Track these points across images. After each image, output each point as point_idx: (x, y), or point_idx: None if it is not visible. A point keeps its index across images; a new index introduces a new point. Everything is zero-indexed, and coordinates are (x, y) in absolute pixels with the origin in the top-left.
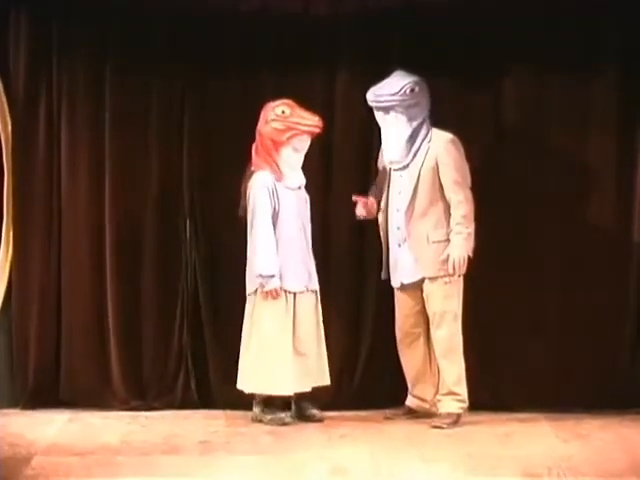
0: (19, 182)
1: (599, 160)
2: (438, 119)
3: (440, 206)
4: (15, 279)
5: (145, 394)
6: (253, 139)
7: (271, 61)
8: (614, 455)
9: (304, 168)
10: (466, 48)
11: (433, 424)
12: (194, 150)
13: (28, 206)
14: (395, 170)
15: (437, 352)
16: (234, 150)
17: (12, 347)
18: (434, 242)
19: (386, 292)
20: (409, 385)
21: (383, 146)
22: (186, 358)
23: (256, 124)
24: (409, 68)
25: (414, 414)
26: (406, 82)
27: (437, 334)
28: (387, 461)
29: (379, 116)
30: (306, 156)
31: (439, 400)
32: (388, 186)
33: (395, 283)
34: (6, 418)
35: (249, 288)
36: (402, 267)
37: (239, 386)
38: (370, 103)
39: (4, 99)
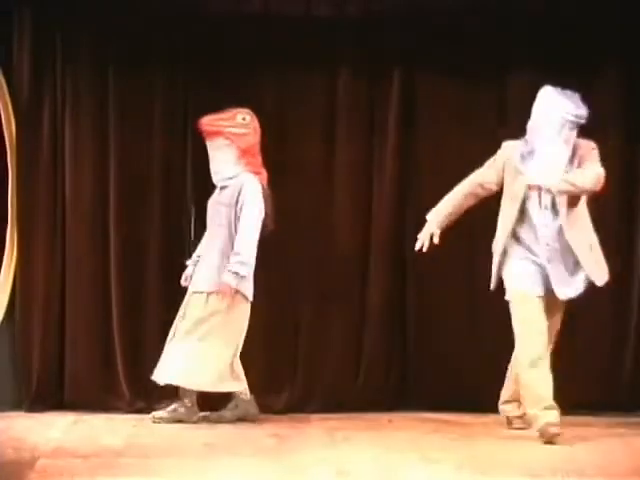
0: (23, 184)
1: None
2: (441, 120)
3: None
4: (19, 281)
5: (149, 396)
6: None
7: (272, 62)
8: (619, 457)
9: (307, 169)
10: (468, 49)
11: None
12: (198, 150)
13: (32, 209)
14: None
15: None
16: None
17: (16, 349)
18: (593, 248)
19: (389, 294)
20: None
21: (537, 168)
22: None
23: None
24: (411, 69)
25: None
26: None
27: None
28: (391, 463)
29: (551, 134)
30: (308, 157)
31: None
32: (523, 203)
33: (544, 295)
34: (10, 421)
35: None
36: (561, 281)
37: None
38: (568, 117)
39: (8, 100)
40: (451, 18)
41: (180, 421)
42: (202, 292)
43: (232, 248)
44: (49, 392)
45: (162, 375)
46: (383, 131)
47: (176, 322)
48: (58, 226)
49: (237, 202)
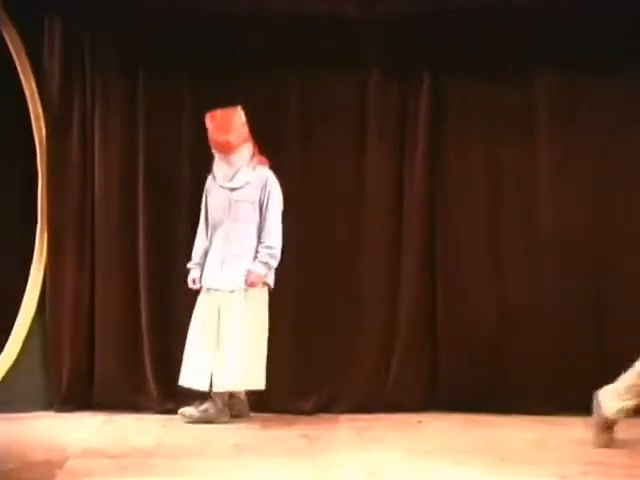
0: (53, 186)
1: (634, 160)
2: (470, 120)
3: None
4: (49, 283)
5: (178, 397)
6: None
7: (302, 63)
8: None
9: (337, 169)
10: (497, 49)
11: None
12: None
13: (62, 209)
14: None
15: None
16: (264, 148)
17: (46, 350)
18: None
19: (419, 295)
20: None
21: None
22: None
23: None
24: (441, 70)
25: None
26: None
27: None
28: (420, 464)
29: None
30: (339, 157)
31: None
32: None
33: None
34: (40, 421)
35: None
36: None
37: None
38: None
39: (39, 104)
40: (481, 18)
41: (209, 422)
42: (239, 290)
43: (259, 241)
44: (79, 392)
45: (223, 383)
46: (413, 131)
47: (203, 325)
48: (87, 227)
49: (263, 196)
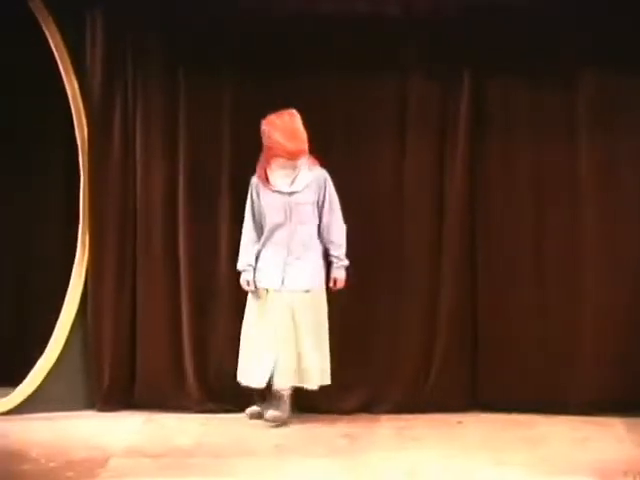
0: (94, 184)
1: None
2: (511, 120)
3: None
4: (90, 281)
5: (220, 396)
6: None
7: (343, 63)
8: None
9: (377, 170)
10: (538, 49)
11: None
12: None
13: (103, 208)
14: None
15: None
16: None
17: (88, 350)
18: None
19: (461, 295)
20: None
21: None
22: None
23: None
24: (481, 70)
25: None
26: None
27: None
28: (461, 464)
29: None
30: (379, 158)
31: None
32: None
33: None
34: (82, 420)
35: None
36: None
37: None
38: None
39: (81, 103)
40: (524, 17)
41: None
42: (308, 290)
43: (320, 242)
44: (120, 392)
45: (299, 380)
46: (454, 131)
47: (269, 324)
48: (129, 226)
49: (322, 196)
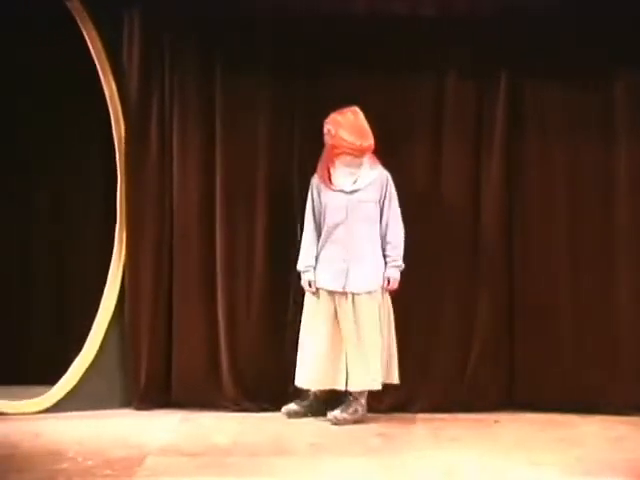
0: (132, 185)
1: None
2: (548, 120)
3: None
4: (128, 281)
5: (256, 395)
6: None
7: (379, 62)
8: None
9: (414, 168)
10: (574, 49)
11: None
12: (305, 148)
13: (141, 209)
14: None
15: None
16: None
17: (125, 349)
18: None
19: (497, 294)
20: None
21: None
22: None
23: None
24: (518, 70)
25: None
26: None
27: None
28: (497, 464)
29: None
30: (416, 157)
31: None
32: None
33: None
34: (119, 419)
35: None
36: None
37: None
38: None
39: (118, 103)
40: (558, 19)
41: (358, 422)
42: (369, 292)
43: (380, 241)
44: (157, 390)
45: (368, 382)
46: (490, 131)
47: (332, 326)
48: (166, 227)
49: (384, 195)
